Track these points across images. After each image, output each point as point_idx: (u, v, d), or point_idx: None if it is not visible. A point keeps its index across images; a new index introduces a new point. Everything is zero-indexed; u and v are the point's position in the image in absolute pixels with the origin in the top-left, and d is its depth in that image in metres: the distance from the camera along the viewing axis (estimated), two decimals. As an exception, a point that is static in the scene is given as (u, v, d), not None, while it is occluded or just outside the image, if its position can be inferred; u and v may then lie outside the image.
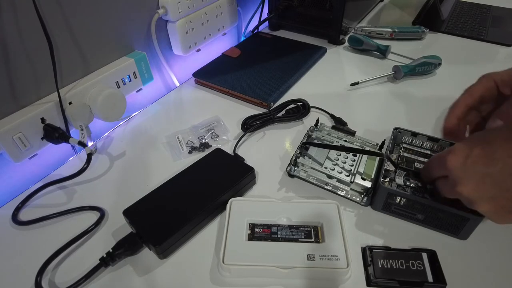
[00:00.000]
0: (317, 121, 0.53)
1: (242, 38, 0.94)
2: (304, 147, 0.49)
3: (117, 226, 0.42)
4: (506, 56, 0.73)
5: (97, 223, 0.42)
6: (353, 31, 0.83)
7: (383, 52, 0.73)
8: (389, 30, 0.79)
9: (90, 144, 0.55)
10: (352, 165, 0.46)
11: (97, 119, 0.55)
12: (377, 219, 0.42)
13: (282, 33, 0.85)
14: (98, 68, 0.57)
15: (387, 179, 0.42)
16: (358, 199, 0.44)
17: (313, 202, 0.42)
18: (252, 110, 0.60)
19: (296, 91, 0.65)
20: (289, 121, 0.57)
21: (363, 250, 0.39)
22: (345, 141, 0.51)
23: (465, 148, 0.33)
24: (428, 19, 0.88)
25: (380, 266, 0.36)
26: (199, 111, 0.61)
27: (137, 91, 0.63)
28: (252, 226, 0.40)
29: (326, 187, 0.45)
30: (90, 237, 0.41)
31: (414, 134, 0.47)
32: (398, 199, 0.41)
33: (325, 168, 0.46)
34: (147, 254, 0.39)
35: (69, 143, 0.49)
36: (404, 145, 0.48)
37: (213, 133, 0.55)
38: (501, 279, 0.36)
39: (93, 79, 0.54)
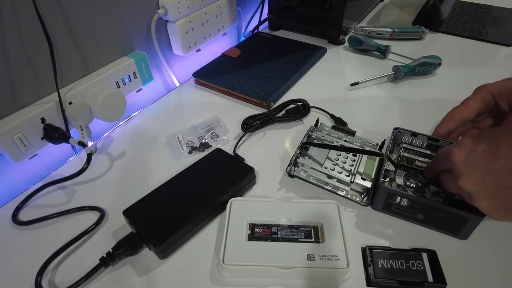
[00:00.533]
0: (317, 121, 0.53)
1: (242, 38, 0.94)
2: (304, 147, 0.49)
3: (117, 226, 0.42)
4: (506, 56, 0.73)
5: (97, 223, 0.42)
6: (353, 31, 0.83)
7: (383, 52, 0.73)
8: (389, 30, 0.79)
9: (90, 144, 0.55)
10: (352, 165, 0.46)
11: (97, 119, 0.55)
12: (377, 219, 0.42)
13: (282, 33, 0.85)
14: (98, 68, 0.57)
15: (387, 179, 0.42)
16: (358, 199, 0.44)
17: (313, 202, 0.42)
18: (252, 110, 0.60)
19: (296, 91, 0.65)
20: (289, 121, 0.57)
21: (363, 250, 0.39)
22: (345, 141, 0.51)
23: (471, 143, 0.34)
24: (428, 19, 0.88)
25: (380, 266, 0.36)
26: (199, 111, 0.61)
27: (137, 91, 0.63)
28: (252, 226, 0.40)
29: (326, 187, 0.45)
30: (90, 237, 0.41)
31: (414, 134, 0.47)
32: (398, 199, 0.41)
33: (325, 168, 0.46)
34: (147, 254, 0.39)
35: (69, 143, 0.49)
36: (404, 145, 0.48)
37: (213, 133, 0.55)
38: (501, 279, 0.36)
39: (93, 79, 0.54)
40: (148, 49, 0.65)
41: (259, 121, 0.56)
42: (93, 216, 0.44)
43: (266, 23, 0.88)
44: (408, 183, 0.42)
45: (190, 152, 0.52)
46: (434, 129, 0.46)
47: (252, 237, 0.39)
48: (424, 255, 0.37)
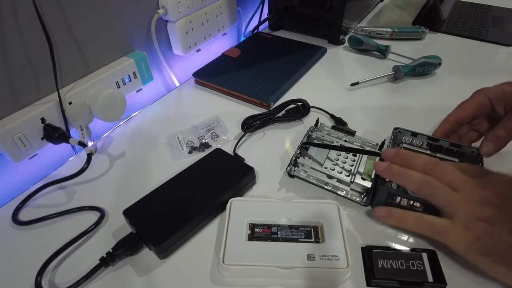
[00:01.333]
0: (317, 121, 0.53)
1: (242, 38, 0.94)
2: (304, 147, 0.49)
3: (117, 226, 0.42)
4: (506, 56, 0.73)
5: (97, 223, 0.42)
6: (353, 31, 0.83)
7: (383, 52, 0.73)
8: (389, 30, 0.79)
9: (90, 144, 0.55)
10: (352, 165, 0.46)
11: (97, 119, 0.55)
12: (377, 219, 0.42)
13: (282, 33, 0.85)
14: (98, 68, 0.57)
15: (387, 179, 0.42)
16: (358, 199, 0.44)
17: (313, 202, 0.42)
18: (252, 110, 0.60)
19: (296, 91, 0.65)
20: (289, 121, 0.57)
21: (363, 250, 0.39)
22: (345, 141, 0.51)
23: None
24: (428, 19, 0.88)
25: (380, 266, 0.36)
26: (199, 111, 0.61)
27: (137, 91, 0.63)
28: (252, 226, 0.40)
29: (326, 187, 0.45)
30: (90, 237, 0.41)
31: (414, 134, 0.47)
32: (398, 199, 0.41)
33: (325, 168, 0.46)
34: (147, 254, 0.39)
35: (69, 143, 0.49)
36: (404, 145, 0.48)
37: (213, 133, 0.55)
38: (501, 279, 0.36)
39: (93, 79, 0.54)
40: (148, 49, 0.65)
41: (259, 121, 0.56)
42: (93, 216, 0.44)
43: (266, 23, 0.88)
44: (408, 183, 0.42)
45: (190, 152, 0.52)
46: (434, 131, 0.47)
47: (252, 237, 0.39)
48: (424, 255, 0.37)
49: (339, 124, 0.55)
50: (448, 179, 0.35)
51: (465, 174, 0.35)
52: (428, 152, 0.46)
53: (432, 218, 0.35)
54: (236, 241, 0.38)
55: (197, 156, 0.51)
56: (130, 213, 0.40)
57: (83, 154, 0.53)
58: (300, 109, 0.58)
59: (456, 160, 0.46)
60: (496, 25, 0.85)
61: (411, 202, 0.40)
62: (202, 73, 0.68)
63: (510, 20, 0.87)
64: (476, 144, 0.46)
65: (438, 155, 0.46)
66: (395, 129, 0.48)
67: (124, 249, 0.38)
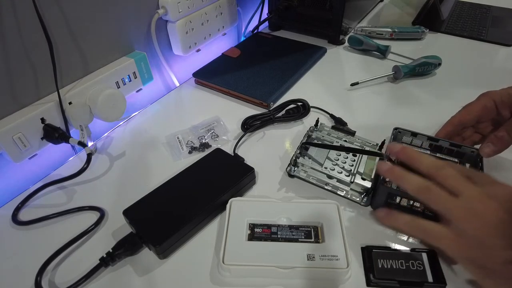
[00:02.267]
0: (317, 121, 0.53)
1: (242, 38, 0.94)
2: (304, 147, 0.49)
3: (117, 226, 0.42)
4: (506, 56, 0.73)
5: (97, 223, 0.42)
6: (353, 31, 0.83)
7: (383, 52, 0.73)
8: (389, 30, 0.79)
9: (90, 144, 0.55)
10: (352, 165, 0.47)
11: (97, 119, 0.55)
12: (377, 219, 0.42)
13: (282, 33, 0.85)
14: (98, 68, 0.57)
15: (387, 179, 0.42)
16: (358, 199, 0.44)
17: (313, 202, 0.42)
18: (252, 110, 0.60)
19: (296, 91, 0.65)
20: (289, 121, 0.57)
21: (363, 250, 0.39)
22: (345, 141, 0.51)
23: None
24: (428, 19, 0.88)
25: (380, 266, 0.36)
26: (199, 111, 0.61)
27: (137, 91, 0.63)
28: (252, 226, 0.40)
29: (326, 187, 0.45)
30: (90, 237, 0.41)
31: (414, 134, 0.47)
32: (398, 199, 0.41)
33: (325, 168, 0.46)
34: (147, 254, 0.39)
35: (69, 143, 0.49)
36: (404, 145, 0.48)
37: (213, 133, 0.55)
38: (501, 279, 0.36)
39: (93, 79, 0.54)
40: (148, 49, 0.65)
41: (259, 121, 0.56)
42: (93, 216, 0.44)
43: (266, 23, 0.88)
44: (408, 183, 0.42)
45: (190, 152, 0.52)
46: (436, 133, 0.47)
47: (252, 237, 0.39)
48: (424, 255, 0.37)
49: (339, 124, 0.55)
50: (450, 184, 0.34)
51: (470, 181, 0.34)
52: (428, 152, 0.46)
53: (425, 221, 0.35)
54: (236, 241, 0.38)
55: (197, 156, 0.51)
56: (130, 213, 0.40)
57: (83, 154, 0.53)
58: (300, 109, 0.58)
59: (456, 160, 0.46)
60: (496, 25, 0.85)
61: (411, 202, 0.40)
62: (202, 73, 0.68)
63: (510, 20, 0.87)
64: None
65: (438, 155, 0.46)
66: (395, 129, 0.48)
67: (124, 249, 0.38)
